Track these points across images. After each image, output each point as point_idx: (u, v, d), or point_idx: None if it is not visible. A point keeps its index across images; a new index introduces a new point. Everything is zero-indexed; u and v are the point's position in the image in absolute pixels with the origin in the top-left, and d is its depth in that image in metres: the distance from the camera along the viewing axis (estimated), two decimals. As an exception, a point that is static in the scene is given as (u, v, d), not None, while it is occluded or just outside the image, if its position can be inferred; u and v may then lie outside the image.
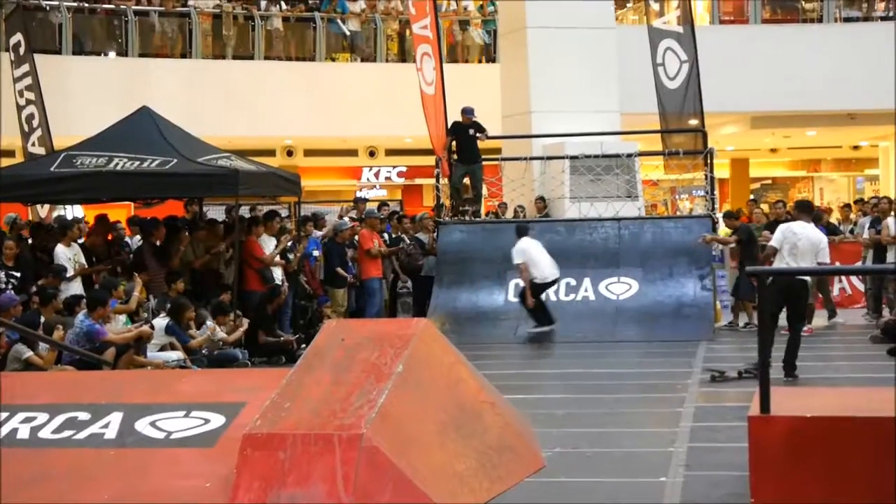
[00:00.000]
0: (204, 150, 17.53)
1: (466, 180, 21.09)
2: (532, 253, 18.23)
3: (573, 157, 21.38)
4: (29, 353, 13.15)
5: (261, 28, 28.49)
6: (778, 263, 13.83)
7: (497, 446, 6.97)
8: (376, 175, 34.37)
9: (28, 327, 13.12)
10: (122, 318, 15.53)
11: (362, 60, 29.75)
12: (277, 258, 17.91)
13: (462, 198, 21.07)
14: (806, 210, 14.71)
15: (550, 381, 14.87)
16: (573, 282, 18.87)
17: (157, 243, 17.55)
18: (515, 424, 7.29)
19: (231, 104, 27.59)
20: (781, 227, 14.53)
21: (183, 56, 28.35)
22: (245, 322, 16.40)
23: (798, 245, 13.94)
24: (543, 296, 18.39)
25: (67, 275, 16.10)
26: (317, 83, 28.55)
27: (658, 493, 8.49)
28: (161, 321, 15.28)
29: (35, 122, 21.46)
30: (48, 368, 13.00)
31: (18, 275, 15.65)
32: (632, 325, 17.70)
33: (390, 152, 33.43)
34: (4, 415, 7.00)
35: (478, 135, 20.81)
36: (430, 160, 22.10)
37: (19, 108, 21.79)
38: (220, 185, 16.92)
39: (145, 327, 14.80)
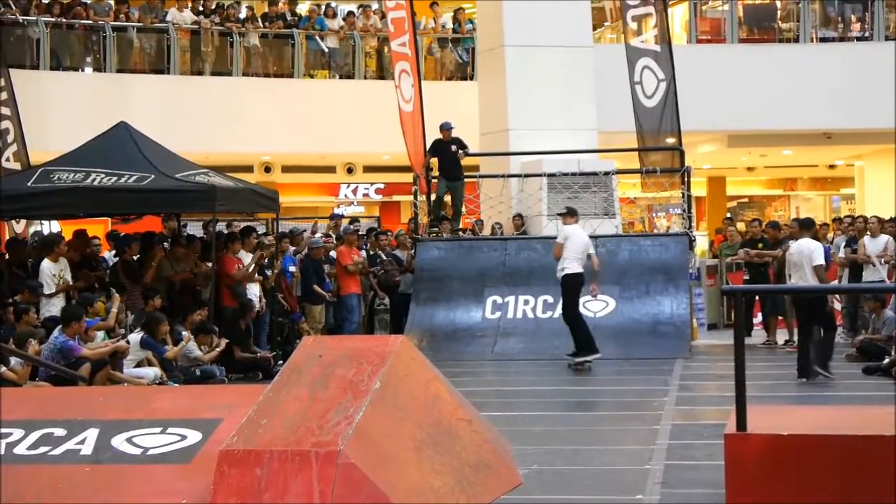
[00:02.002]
0: (181, 166, 17.52)
1: (447, 198, 21.09)
2: (574, 240, 17.36)
3: (550, 175, 21.43)
4: (2, 369, 13.09)
5: (239, 45, 28.46)
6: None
7: (474, 463, 6.97)
8: (354, 192, 34.35)
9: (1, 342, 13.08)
10: (101, 334, 15.48)
11: (341, 77, 29.72)
12: (255, 275, 17.91)
13: (442, 214, 21.06)
14: (807, 226, 16.47)
15: (527, 399, 14.87)
16: (550, 299, 18.87)
17: (133, 259, 17.51)
18: (492, 441, 7.30)
19: (209, 120, 27.55)
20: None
21: (161, 72, 28.29)
22: (223, 342, 16.38)
23: (792, 259, 15.67)
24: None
25: (47, 291, 16.05)
26: (295, 100, 28.51)
27: (634, 511, 8.51)
28: (136, 336, 15.25)
29: (10, 138, 21.39)
30: (22, 384, 12.94)
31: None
32: (609, 342, 17.71)
33: (368, 169, 33.40)
34: (-22, 431, 6.98)
35: (460, 151, 20.82)
36: (408, 177, 22.11)
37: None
38: (197, 201, 16.92)
39: (121, 342, 14.77)
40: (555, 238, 18.24)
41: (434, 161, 21.06)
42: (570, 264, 17.16)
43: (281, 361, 16.67)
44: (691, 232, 20.67)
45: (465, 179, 21.57)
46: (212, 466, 6.12)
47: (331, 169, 33.30)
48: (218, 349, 16.19)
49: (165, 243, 18.27)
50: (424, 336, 18.72)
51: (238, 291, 17.73)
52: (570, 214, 17.76)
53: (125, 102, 25.65)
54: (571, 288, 17.26)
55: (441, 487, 6.52)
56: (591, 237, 17.76)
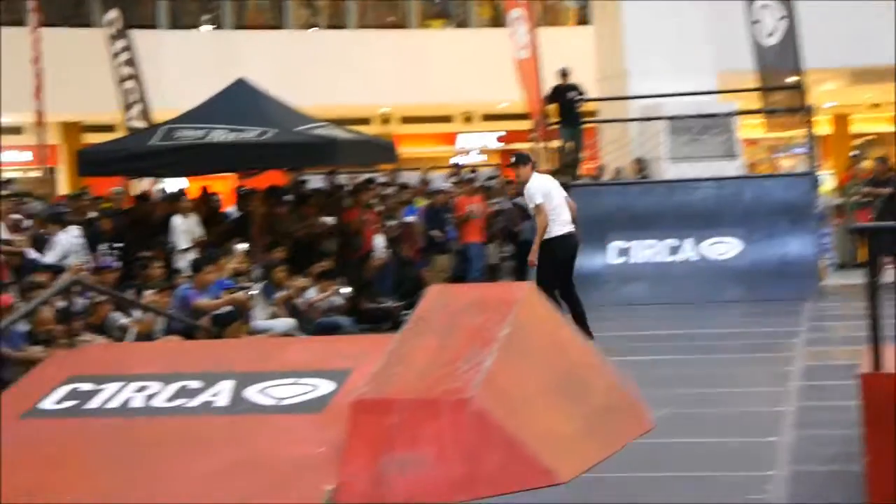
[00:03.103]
0: (301, 120, 17.62)
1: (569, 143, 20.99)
2: (554, 194, 14.26)
3: (671, 118, 21.20)
4: (124, 320, 13.33)
5: (353, -3, 28.57)
6: None
7: (604, 408, 6.94)
8: (473, 141, 34.34)
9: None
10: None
11: (456, 26, 29.68)
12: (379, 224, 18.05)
13: (567, 160, 20.94)
14: None
15: (654, 343, 14.79)
16: (675, 243, 18.72)
17: (256, 213, 17.69)
18: (622, 386, 7.25)
19: (325, 74, 27.70)
20: None
21: (276, 27, 28.47)
22: (345, 289, 16.45)
23: None
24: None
25: (181, 246, 16.31)
26: (411, 50, 28.58)
27: (769, 453, 8.42)
28: (258, 287, 15.41)
29: (134, 97, 21.71)
30: (148, 333, 13.16)
31: (121, 246, 15.86)
32: (735, 284, 17.52)
33: (486, 117, 33.37)
34: (119, 384, 7.11)
35: (578, 97, 20.67)
36: (526, 125, 22.04)
37: (118, 83, 22.06)
38: (318, 154, 17.01)
39: (238, 294, 14.87)
40: (676, 181, 17.99)
41: (552, 107, 20.95)
42: (557, 224, 14.06)
43: (407, 311, 16.75)
44: (816, 171, 20.34)
45: (584, 125, 21.43)
46: (344, 415, 6.16)
47: (448, 118, 33.32)
48: (334, 289, 16.21)
49: (288, 197, 18.42)
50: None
51: (355, 244, 17.85)
52: (522, 162, 14.38)
53: (242, 59, 25.88)
54: (561, 256, 14.20)
55: (572, 433, 6.50)
56: (713, 179, 17.48)
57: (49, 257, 14.64)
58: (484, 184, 21.69)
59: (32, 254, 14.54)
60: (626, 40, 23.33)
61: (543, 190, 14.05)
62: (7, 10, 26.41)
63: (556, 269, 13.95)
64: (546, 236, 13.94)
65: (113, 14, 22.33)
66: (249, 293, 14.95)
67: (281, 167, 19.35)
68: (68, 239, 15.00)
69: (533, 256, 14.12)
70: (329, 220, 17.74)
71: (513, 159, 14.71)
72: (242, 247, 16.35)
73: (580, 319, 13.50)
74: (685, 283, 17.93)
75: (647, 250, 19.16)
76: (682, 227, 18.84)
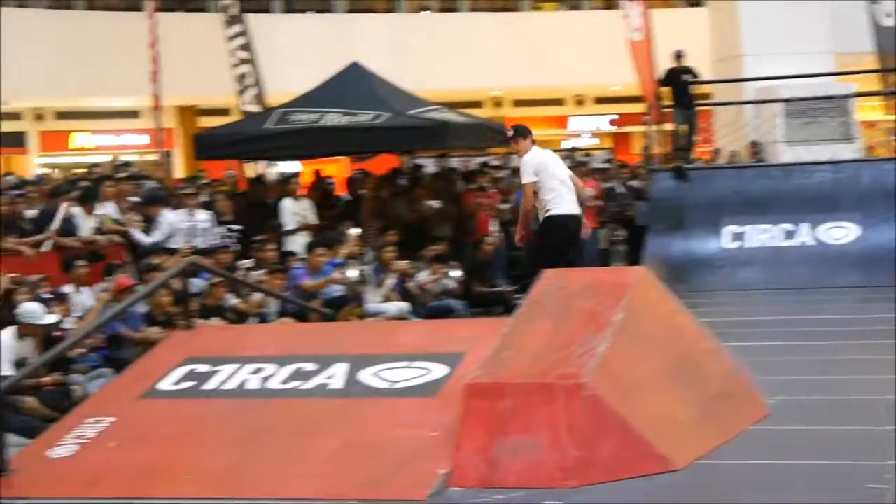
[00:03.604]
0: (414, 103, 17.65)
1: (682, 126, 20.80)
2: (555, 171, 13.09)
3: (787, 101, 20.92)
4: (235, 301, 13.48)
5: (466, -20, 28.57)
6: None
7: (719, 394, 6.89)
8: (584, 124, 34.19)
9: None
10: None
11: (568, 9, 29.55)
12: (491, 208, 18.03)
13: (680, 144, 20.75)
14: None
15: (768, 329, 14.57)
16: (791, 227, 18.47)
17: (367, 197, 17.76)
18: (736, 372, 7.21)
19: (438, 57, 27.73)
20: None
21: (389, 11, 28.56)
22: (454, 271, 16.46)
23: None
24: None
25: (289, 228, 16.44)
26: (523, 33, 28.50)
27: (885, 442, 8.28)
28: (367, 269, 15.47)
29: (249, 81, 21.91)
30: (254, 313, 13.31)
31: (239, 228, 16.03)
32: (852, 270, 17.23)
33: (599, 100, 33.20)
34: (235, 366, 7.22)
35: (691, 80, 20.47)
36: (639, 108, 21.88)
37: (232, 67, 22.27)
38: (431, 137, 17.03)
39: (336, 274, 14.82)
40: (792, 164, 17.70)
41: (665, 90, 20.77)
42: (557, 202, 12.88)
43: (518, 295, 16.73)
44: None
45: (698, 107, 21.22)
46: (457, 399, 6.19)
47: (560, 101, 33.21)
48: (444, 272, 16.22)
49: (401, 180, 18.48)
50: (661, 267, 18.53)
51: (468, 227, 17.85)
52: (521, 135, 13.29)
53: (355, 42, 25.99)
54: (559, 238, 13.01)
55: (687, 419, 6.47)
56: (830, 163, 17.20)
57: (153, 237, 14.84)
58: (597, 167, 21.57)
59: (137, 234, 14.76)
60: (741, 21, 23.04)
61: (539, 167, 12.82)
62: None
63: (551, 252, 12.36)
64: (545, 215, 12.77)
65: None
66: (348, 273, 14.94)
67: (394, 150, 19.40)
68: (173, 220, 15.17)
69: (518, 237, 13.36)
70: (435, 203, 17.73)
71: (510, 132, 13.62)
72: (355, 231, 16.42)
73: None
74: (800, 268, 17.67)
75: (762, 235, 18.91)
76: (797, 211, 18.55)
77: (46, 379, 10.78)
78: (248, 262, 14.62)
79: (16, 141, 29.64)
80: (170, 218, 15.15)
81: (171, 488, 6.28)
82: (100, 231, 14.39)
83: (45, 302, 11.27)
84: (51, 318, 10.94)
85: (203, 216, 15.47)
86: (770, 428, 7.19)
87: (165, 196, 15.94)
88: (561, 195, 12.82)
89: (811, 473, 7.69)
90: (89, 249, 13.74)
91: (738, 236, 18.98)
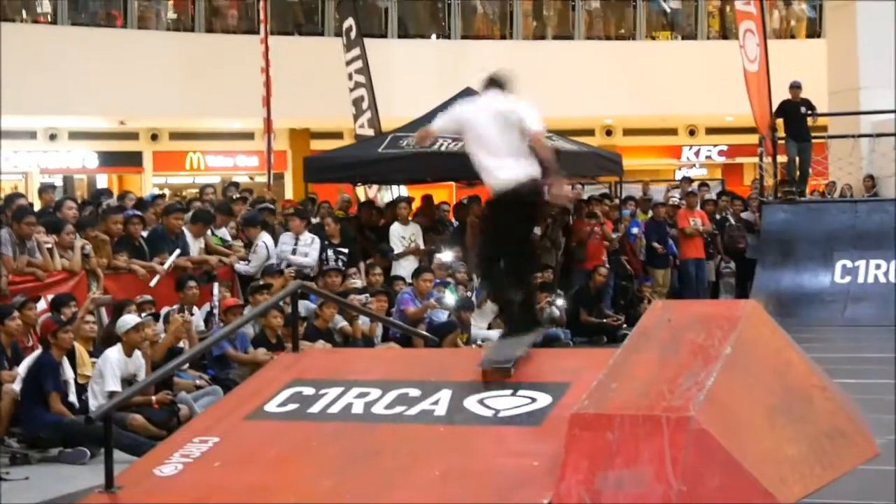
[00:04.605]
0: (525, 131, 17.60)
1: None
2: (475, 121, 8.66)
3: (904, 135, 20.61)
4: (343, 324, 13.54)
5: (581, 8, 28.49)
6: None
7: (829, 432, 6.77)
8: (696, 154, 33.96)
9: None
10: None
11: (683, 38, 29.39)
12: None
13: (793, 177, 20.51)
14: None
15: (880, 366, 14.34)
16: (902, 263, 18.21)
17: (472, 223, 17.76)
18: (847, 409, 7.07)
19: (550, 84, 27.63)
20: None
21: (503, 37, 28.60)
22: (559, 300, 16.38)
23: None
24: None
25: (396, 252, 16.51)
26: (636, 62, 28.35)
27: None
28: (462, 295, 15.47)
29: (365, 105, 22.03)
30: (359, 338, 13.38)
31: (346, 251, 16.10)
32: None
33: (710, 131, 32.96)
34: (340, 390, 7.23)
35: (808, 113, 20.23)
36: (751, 139, 21.68)
37: (349, 91, 22.41)
38: (540, 165, 16.98)
39: (431, 301, 14.81)
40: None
41: (779, 122, 20.55)
42: (495, 170, 8.88)
43: (625, 325, 16.62)
44: None
45: (813, 140, 20.98)
46: (562, 429, 6.12)
47: (672, 131, 33.01)
48: (551, 303, 16.13)
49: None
50: (770, 300, 18.31)
51: (582, 255, 17.80)
52: (495, 84, 8.62)
53: (468, 68, 25.99)
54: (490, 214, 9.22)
55: (795, 455, 6.34)
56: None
57: (250, 267, 14.85)
58: (707, 198, 21.38)
59: (236, 265, 14.78)
60: (860, 53, 22.77)
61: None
62: (243, 18, 27.18)
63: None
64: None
65: (349, 22, 22.70)
66: (445, 300, 14.92)
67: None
68: (270, 243, 15.19)
69: None
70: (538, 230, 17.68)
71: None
72: (446, 256, 16.39)
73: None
74: (915, 303, 17.39)
75: (876, 270, 18.66)
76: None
77: (154, 397, 10.92)
78: (356, 283, 14.69)
79: (132, 161, 30.14)
80: (267, 241, 15.15)
81: (275, 510, 6.31)
82: (207, 251, 14.51)
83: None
84: (134, 320, 11.08)
85: (307, 239, 15.52)
86: (879, 467, 7.05)
87: (263, 220, 16.00)
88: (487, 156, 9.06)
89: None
90: (201, 270, 13.89)
91: (850, 271, 18.75)
